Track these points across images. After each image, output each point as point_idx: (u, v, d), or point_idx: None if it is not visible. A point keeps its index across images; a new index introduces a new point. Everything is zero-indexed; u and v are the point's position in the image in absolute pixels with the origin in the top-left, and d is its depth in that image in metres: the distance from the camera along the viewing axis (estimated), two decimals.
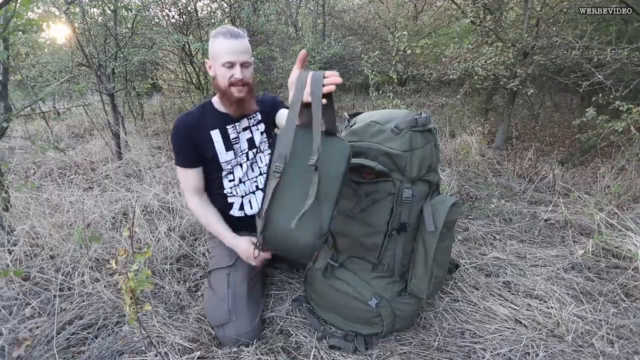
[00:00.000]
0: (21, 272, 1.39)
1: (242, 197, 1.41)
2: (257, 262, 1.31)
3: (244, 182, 1.40)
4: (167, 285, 1.52)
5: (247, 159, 1.40)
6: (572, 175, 3.03)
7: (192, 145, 1.30)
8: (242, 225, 1.42)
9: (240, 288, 1.29)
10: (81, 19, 3.35)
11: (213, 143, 1.32)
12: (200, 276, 1.62)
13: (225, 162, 1.34)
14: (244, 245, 1.30)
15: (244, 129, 1.38)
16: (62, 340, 1.21)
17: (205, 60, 1.31)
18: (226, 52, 1.21)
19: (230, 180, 1.38)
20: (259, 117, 1.42)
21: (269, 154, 1.43)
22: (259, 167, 1.43)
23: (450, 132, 4.25)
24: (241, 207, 1.42)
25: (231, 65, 1.22)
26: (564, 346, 1.25)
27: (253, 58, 1.36)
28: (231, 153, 1.35)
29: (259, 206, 1.40)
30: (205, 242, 1.83)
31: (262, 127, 1.42)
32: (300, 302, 1.44)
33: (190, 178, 1.34)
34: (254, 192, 1.43)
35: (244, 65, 1.24)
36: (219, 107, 1.35)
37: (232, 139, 1.35)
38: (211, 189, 1.41)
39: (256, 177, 1.43)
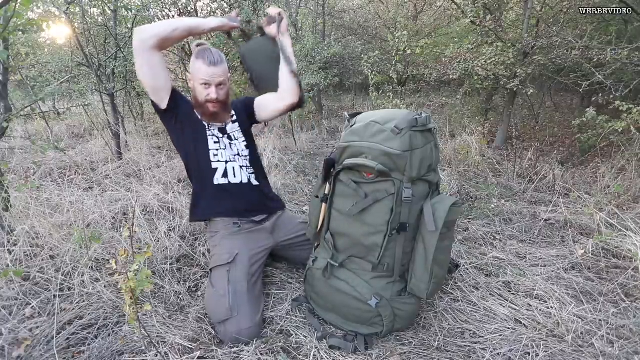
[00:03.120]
0: (21, 272, 1.39)
1: (226, 162, 1.46)
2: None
3: (224, 149, 1.47)
4: (167, 285, 1.52)
5: (221, 139, 1.49)
6: (572, 175, 3.03)
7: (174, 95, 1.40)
8: (226, 194, 1.46)
9: (241, 285, 1.30)
10: (81, 19, 3.35)
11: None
12: (200, 276, 1.62)
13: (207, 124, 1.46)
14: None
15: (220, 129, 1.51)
16: (62, 340, 1.21)
17: (187, 74, 1.47)
18: (203, 75, 1.35)
19: (215, 142, 1.46)
20: (235, 117, 1.54)
21: (243, 141, 1.54)
22: (238, 145, 1.52)
23: (450, 132, 4.25)
24: (225, 174, 1.46)
25: (208, 85, 1.37)
26: (564, 346, 1.25)
27: (229, 75, 1.47)
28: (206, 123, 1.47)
29: (247, 178, 1.49)
30: (206, 242, 1.84)
31: (236, 126, 1.53)
32: (300, 302, 1.44)
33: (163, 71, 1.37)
34: (236, 161, 1.49)
35: (219, 85, 1.38)
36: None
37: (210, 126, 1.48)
38: (198, 151, 1.46)
39: (234, 155, 1.50)
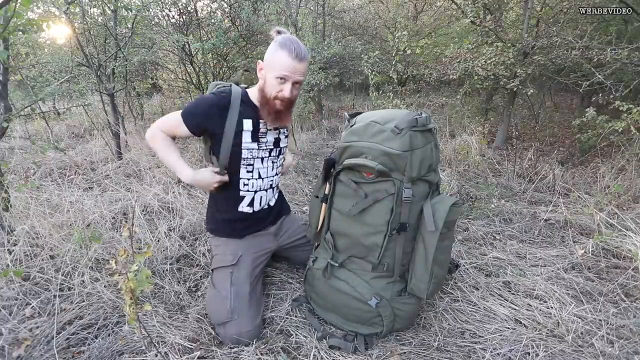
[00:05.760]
0: (21, 272, 1.39)
1: (255, 192, 1.41)
2: (216, 184, 1.33)
3: (262, 178, 1.41)
4: (167, 285, 1.52)
5: (270, 155, 1.41)
6: (572, 175, 3.03)
7: (208, 120, 1.28)
8: (247, 222, 1.43)
9: (243, 287, 1.29)
10: (81, 19, 3.35)
11: (242, 130, 1.31)
12: (200, 276, 1.62)
13: (248, 149, 1.34)
14: (203, 174, 1.31)
15: (275, 129, 1.39)
16: (62, 340, 1.21)
17: (259, 61, 1.30)
18: (284, 69, 1.21)
19: (248, 171, 1.37)
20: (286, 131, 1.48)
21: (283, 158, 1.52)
22: (276, 168, 1.46)
23: (450, 132, 4.25)
24: (250, 203, 1.41)
25: (284, 81, 1.23)
26: (564, 346, 1.25)
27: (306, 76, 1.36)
28: (255, 144, 1.35)
29: (267, 203, 1.45)
30: (206, 241, 1.84)
31: (286, 132, 1.47)
32: (300, 302, 1.45)
33: (177, 128, 1.30)
34: (266, 190, 1.44)
35: (295, 84, 1.26)
36: (254, 100, 1.34)
37: (261, 132, 1.35)
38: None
39: (273, 176, 1.45)
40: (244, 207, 1.41)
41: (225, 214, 1.42)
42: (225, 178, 1.34)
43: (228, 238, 1.43)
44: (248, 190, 1.39)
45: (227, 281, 1.30)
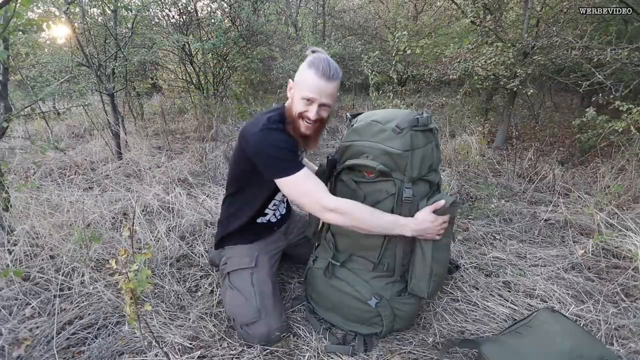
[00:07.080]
0: (21, 272, 1.39)
1: (275, 210, 1.47)
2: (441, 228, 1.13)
3: (283, 201, 1.47)
4: (167, 285, 1.52)
5: None
6: (572, 175, 3.03)
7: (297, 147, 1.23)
8: (262, 233, 1.45)
9: (266, 286, 1.30)
10: (81, 19, 3.35)
11: None
12: (200, 276, 1.62)
13: None
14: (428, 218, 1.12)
15: (301, 152, 1.37)
16: (62, 340, 1.21)
17: (289, 80, 1.23)
18: (310, 89, 1.14)
19: (271, 200, 1.41)
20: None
21: None
22: None
23: (450, 132, 4.25)
24: (269, 219, 1.46)
25: (310, 102, 1.16)
26: None
27: (336, 97, 1.22)
28: None
29: (282, 215, 1.51)
30: (205, 241, 1.84)
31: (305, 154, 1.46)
32: (300, 302, 1.45)
33: (314, 180, 1.16)
34: (282, 202, 1.49)
35: (323, 105, 1.17)
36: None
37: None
38: (251, 202, 1.37)
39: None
40: (261, 220, 1.44)
41: (243, 228, 1.41)
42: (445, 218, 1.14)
43: (241, 244, 1.43)
44: (269, 208, 1.43)
45: (248, 282, 1.30)
